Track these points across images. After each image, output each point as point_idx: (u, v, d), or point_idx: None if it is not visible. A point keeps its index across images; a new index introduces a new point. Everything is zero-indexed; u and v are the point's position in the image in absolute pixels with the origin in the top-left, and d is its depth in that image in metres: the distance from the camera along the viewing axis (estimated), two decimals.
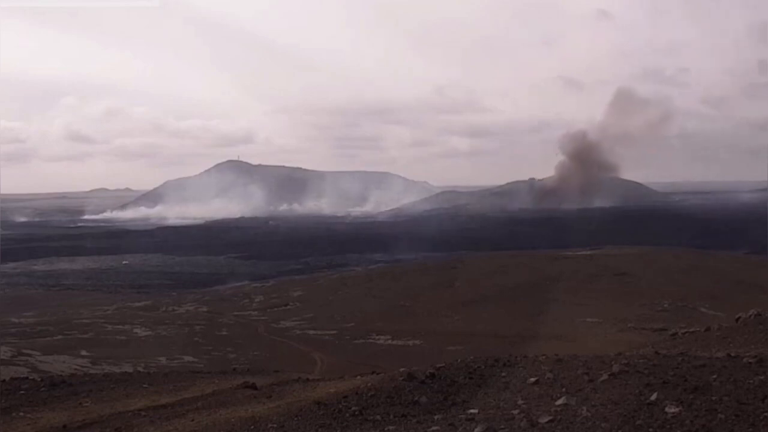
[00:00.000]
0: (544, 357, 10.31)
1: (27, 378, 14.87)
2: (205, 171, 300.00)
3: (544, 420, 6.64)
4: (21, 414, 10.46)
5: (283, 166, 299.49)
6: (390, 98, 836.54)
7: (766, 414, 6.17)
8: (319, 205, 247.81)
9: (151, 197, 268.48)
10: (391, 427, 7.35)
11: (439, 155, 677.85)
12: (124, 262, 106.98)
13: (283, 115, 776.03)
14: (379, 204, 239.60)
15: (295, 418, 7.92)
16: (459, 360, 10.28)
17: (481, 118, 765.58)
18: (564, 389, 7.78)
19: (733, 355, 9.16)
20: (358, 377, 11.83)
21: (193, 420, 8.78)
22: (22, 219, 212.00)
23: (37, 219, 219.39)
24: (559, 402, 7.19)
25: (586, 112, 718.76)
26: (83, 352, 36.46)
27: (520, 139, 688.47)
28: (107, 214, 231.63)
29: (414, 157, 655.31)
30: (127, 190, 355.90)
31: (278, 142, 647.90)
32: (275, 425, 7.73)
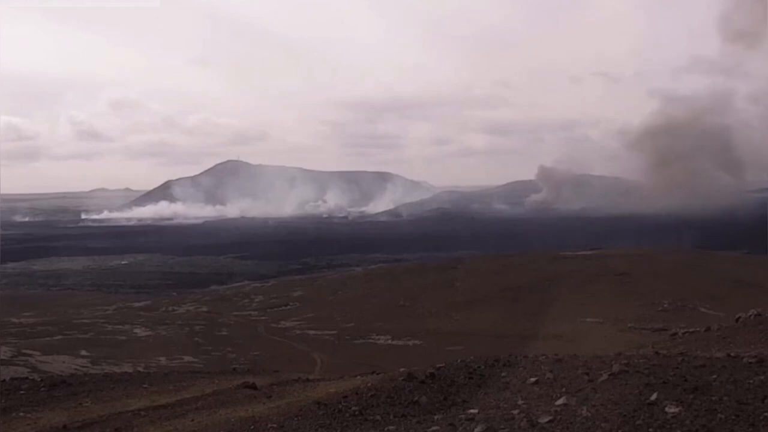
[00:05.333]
0: (544, 357, 10.31)
1: (27, 378, 14.88)
2: (205, 171, 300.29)
3: (544, 420, 6.64)
4: (21, 414, 10.47)
5: (283, 166, 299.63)
6: (392, 97, 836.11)
7: (766, 414, 6.16)
8: (320, 205, 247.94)
9: (151, 197, 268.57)
10: (391, 427, 7.35)
11: (439, 155, 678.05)
12: (123, 262, 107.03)
13: (285, 114, 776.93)
14: (379, 204, 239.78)
15: (295, 418, 7.92)
16: (459, 360, 10.27)
17: (483, 117, 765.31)
18: (564, 389, 7.77)
19: (733, 355, 9.15)
20: (358, 377, 11.83)
21: (193, 420, 8.78)
22: (22, 219, 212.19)
23: (37, 219, 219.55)
24: (559, 402, 7.19)
25: (590, 111, 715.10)
26: (83, 352, 36.47)
27: (523, 138, 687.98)
28: (107, 214, 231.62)
29: (415, 156, 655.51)
30: (127, 190, 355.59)
31: (280, 142, 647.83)
32: (275, 425, 7.73)
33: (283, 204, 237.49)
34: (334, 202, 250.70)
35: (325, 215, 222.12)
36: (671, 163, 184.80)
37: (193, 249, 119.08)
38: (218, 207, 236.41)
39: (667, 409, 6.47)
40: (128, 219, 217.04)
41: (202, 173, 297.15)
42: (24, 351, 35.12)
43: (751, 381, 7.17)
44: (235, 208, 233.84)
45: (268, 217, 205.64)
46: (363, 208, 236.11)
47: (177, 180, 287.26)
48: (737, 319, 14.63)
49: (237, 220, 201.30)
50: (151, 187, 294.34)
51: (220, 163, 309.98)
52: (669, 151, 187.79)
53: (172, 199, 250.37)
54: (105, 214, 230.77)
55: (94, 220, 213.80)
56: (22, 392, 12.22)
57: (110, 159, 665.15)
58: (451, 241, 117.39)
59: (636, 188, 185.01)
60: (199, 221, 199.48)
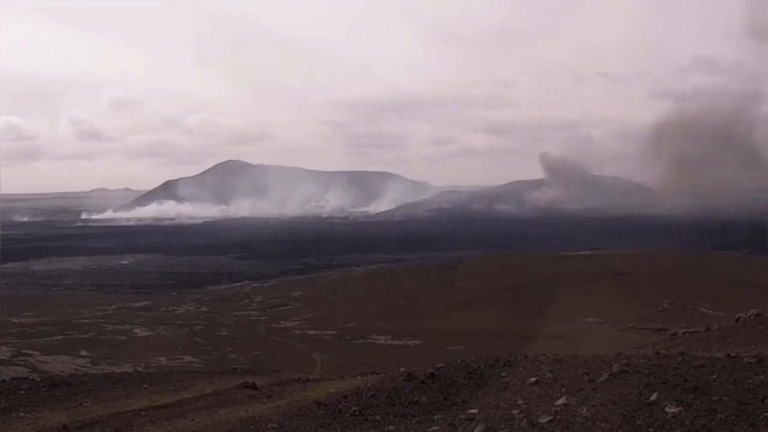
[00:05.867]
0: (544, 357, 10.30)
1: (27, 378, 14.88)
2: (205, 171, 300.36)
3: (544, 420, 6.64)
4: (21, 414, 10.47)
5: (284, 166, 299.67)
6: (392, 97, 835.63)
7: (766, 414, 6.16)
8: (320, 205, 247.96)
9: (151, 197, 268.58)
10: (391, 427, 7.35)
11: (440, 155, 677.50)
12: (123, 262, 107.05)
13: (286, 114, 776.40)
14: (379, 204, 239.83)
15: (295, 418, 7.92)
16: (459, 360, 10.26)
17: (484, 117, 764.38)
18: (564, 389, 7.77)
19: (733, 355, 9.15)
20: (358, 377, 11.83)
21: (193, 420, 8.78)
22: (22, 219, 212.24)
23: (37, 219, 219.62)
24: (559, 402, 7.19)
25: (588, 108, 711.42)
26: (83, 352, 36.48)
27: (524, 138, 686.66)
28: (107, 214, 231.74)
29: (415, 156, 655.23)
30: (127, 190, 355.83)
31: (280, 142, 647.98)
32: (275, 425, 7.73)
33: (284, 204, 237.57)
34: (334, 202, 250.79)
35: (325, 215, 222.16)
36: (683, 163, 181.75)
37: (193, 249, 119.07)
38: (218, 207, 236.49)
39: (667, 409, 6.47)
40: (128, 219, 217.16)
41: (202, 173, 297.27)
42: (24, 351, 35.14)
43: (751, 381, 7.17)
44: (235, 208, 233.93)
45: (269, 217, 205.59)
46: (363, 208, 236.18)
47: (177, 180, 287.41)
48: (737, 319, 14.63)
49: (237, 220, 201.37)
50: (151, 187, 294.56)
51: (220, 163, 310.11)
52: (682, 151, 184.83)
53: (171, 199, 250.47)
54: (109, 214, 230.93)
55: (95, 220, 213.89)
56: (22, 392, 12.22)
57: (110, 159, 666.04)
58: (451, 241, 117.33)
59: (639, 188, 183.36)
60: (199, 221, 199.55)
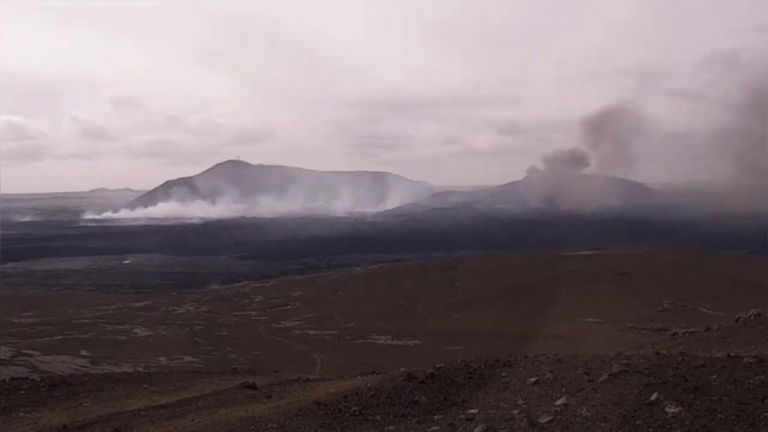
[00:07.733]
0: (544, 357, 10.30)
1: (27, 378, 14.87)
2: (205, 171, 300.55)
3: (544, 420, 6.63)
4: (21, 414, 10.46)
5: (284, 166, 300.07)
6: (394, 98, 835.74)
7: (766, 414, 6.16)
8: (320, 205, 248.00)
9: (151, 197, 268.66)
10: (391, 427, 7.34)
11: (441, 155, 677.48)
12: (124, 262, 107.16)
13: (287, 114, 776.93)
14: (379, 204, 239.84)
15: (295, 418, 7.92)
16: (459, 360, 10.26)
17: (486, 117, 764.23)
18: (564, 389, 7.77)
19: (733, 355, 9.14)
20: (358, 377, 11.82)
21: (193, 420, 8.78)
22: (22, 219, 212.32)
23: (37, 219, 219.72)
24: (559, 402, 7.18)
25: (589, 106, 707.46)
26: (83, 352, 36.45)
27: (527, 138, 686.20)
28: (108, 214, 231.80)
29: (416, 156, 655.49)
30: (128, 190, 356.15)
31: (281, 142, 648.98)
32: (275, 425, 7.73)
33: (284, 204, 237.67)
34: (334, 202, 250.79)
35: (325, 215, 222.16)
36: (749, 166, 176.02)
37: (193, 249, 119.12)
38: (218, 207, 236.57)
39: (667, 409, 6.47)
40: (128, 219, 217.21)
41: (202, 173, 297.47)
42: (24, 351, 35.10)
43: (751, 381, 7.16)
44: (235, 208, 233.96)
45: (269, 217, 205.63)
46: (364, 208, 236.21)
47: (177, 180, 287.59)
48: (737, 319, 14.61)
49: (237, 220, 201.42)
50: (152, 187, 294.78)
51: (221, 163, 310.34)
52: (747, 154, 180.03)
53: (172, 198, 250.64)
54: (105, 214, 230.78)
55: (95, 220, 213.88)
56: (22, 392, 12.22)
57: (111, 159, 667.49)
58: (451, 241, 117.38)
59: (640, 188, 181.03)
60: (199, 221, 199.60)
